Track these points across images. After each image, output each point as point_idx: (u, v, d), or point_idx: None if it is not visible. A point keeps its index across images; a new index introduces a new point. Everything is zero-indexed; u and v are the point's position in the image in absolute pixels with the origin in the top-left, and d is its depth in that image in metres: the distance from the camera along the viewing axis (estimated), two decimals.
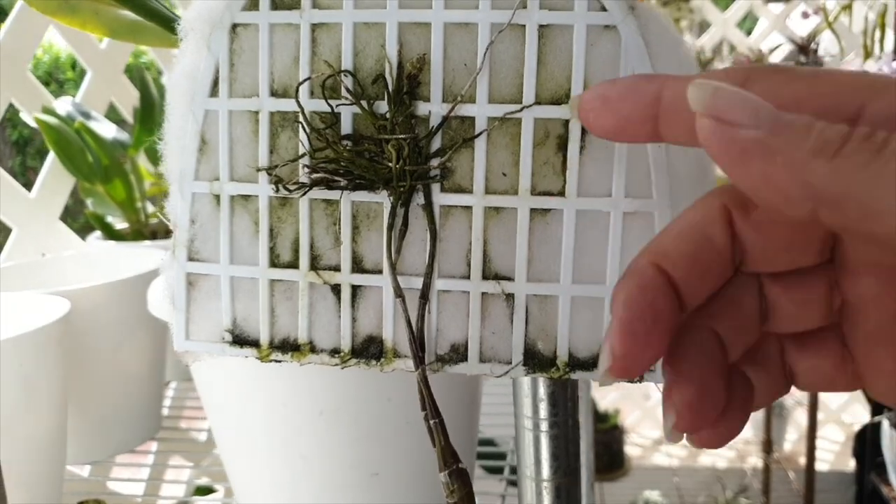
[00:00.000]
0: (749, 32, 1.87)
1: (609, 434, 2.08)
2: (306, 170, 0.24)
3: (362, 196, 0.25)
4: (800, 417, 1.92)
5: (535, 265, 0.25)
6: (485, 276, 0.25)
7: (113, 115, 0.75)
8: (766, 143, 0.14)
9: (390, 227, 0.24)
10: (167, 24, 0.29)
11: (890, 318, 0.17)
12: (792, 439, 1.93)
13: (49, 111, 0.60)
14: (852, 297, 0.18)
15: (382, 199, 0.25)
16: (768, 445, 1.74)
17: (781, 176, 0.14)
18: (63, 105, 0.64)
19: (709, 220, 0.18)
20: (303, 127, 0.25)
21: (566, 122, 0.24)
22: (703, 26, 1.85)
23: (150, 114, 0.64)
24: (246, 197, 0.26)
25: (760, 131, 0.14)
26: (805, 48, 1.71)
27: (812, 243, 0.18)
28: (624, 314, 0.17)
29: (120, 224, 0.66)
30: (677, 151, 0.24)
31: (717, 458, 1.77)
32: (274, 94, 0.25)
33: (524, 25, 0.24)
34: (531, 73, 0.24)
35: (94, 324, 0.46)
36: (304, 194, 0.25)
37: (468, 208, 0.24)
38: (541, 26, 0.24)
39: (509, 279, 0.25)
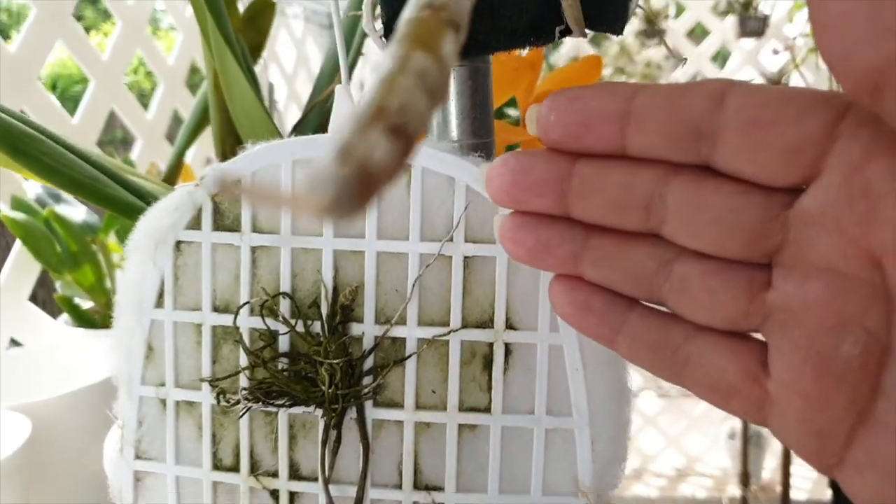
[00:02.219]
0: (722, 66, 1.90)
1: None
2: (244, 391, 0.26)
3: (298, 409, 0.26)
4: (777, 445, 1.95)
5: (464, 477, 0.26)
6: (416, 487, 0.26)
7: (107, 135, 0.76)
8: None
9: (324, 443, 0.26)
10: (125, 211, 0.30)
11: (827, 330, 0.16)
12: (771, 467, 1.97)
13: (18, 202, 0.61)
14: (794, 301, 0.17)
15: (318, 412, 0.26)
16: (745, 478, 1.77)
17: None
18: (33, 188, 0.65)
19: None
20: (242, 347, 0.26)
21: (491, 344, 0.25)
22: (677, 60, 1.88)
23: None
24: (190, 402, 0.27)
25: None
26: (777, 83, 1.74)
27: (749, 234, 0.17)
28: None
29: (89, 303, 0.67)
30: (595, 373, 0.25)
31: (696, 488, 1.80)
32: (216, 309, 0.27)
33: (451, 256, 0.25)
34: (458, 300, 0.25)
35: (56, 436, 0.47)
36: (243, 414, 0.26)
37: (400, 422, 0.26)
38: (466, 257, 0.25)
39: (440, 489, 0.26)
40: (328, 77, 0.40)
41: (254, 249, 0.26)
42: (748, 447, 1.89)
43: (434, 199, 0.25)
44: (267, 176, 0.26)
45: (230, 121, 0.33)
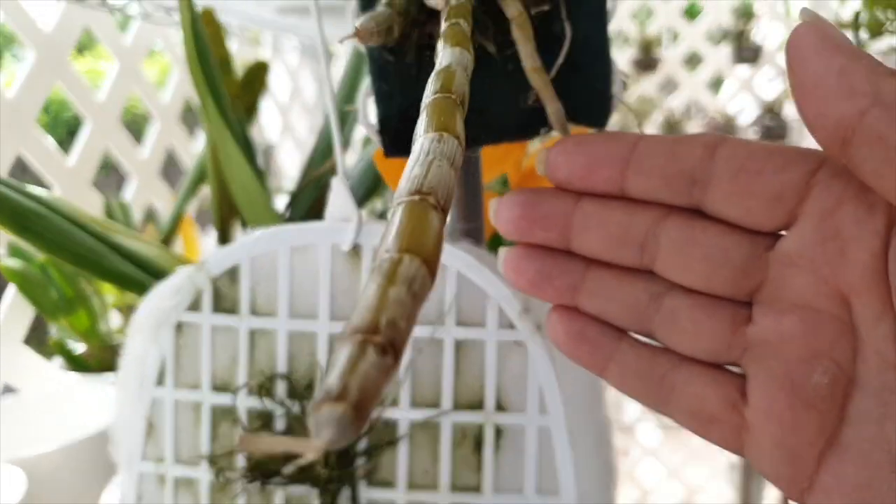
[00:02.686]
0: (717, 93, 1.93)
1: None
2: (242, 469, 0.26)
3: (295, 488, 0.27)
4: None
5: None
6: None
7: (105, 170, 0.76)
8: None
9: None
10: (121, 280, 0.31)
11: (800, 360, 0.17)
12: (772, 497, 1.97)
13: (15, 250, 0.61)
14: (771, 335, 0.18)
15: (313, 491, 0.27)
16: None
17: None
18: None
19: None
20: (241, 426, 0.27)
21: (482, 426, 0.26)
22: (672, 88, 1.90)
23: None
24: (189, 479, 0.28)
25: None
26: (772, 110, 1.77)
27: (734, 272, 0.19)
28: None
29: (83, 346, 0.68)
30: (582, 453, 0.26)
31: None
32: (215, 388, 0.27)
33: (442, 340, 0.26)
34: (449, 382, 0.26)
35: (52, 490, 0.47)
36: (240, 492, 0.27)
37: (393, 502, 0.27)
38: (457, 341, 0.26)
39: None
40: (321, 155, 0.41)
41: (252, 332, 0.27)
42: (749, 479, 1.89)
43: None
44: (264, 263, 0.27)
45: (227, 186, 0.35)
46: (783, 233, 0.18)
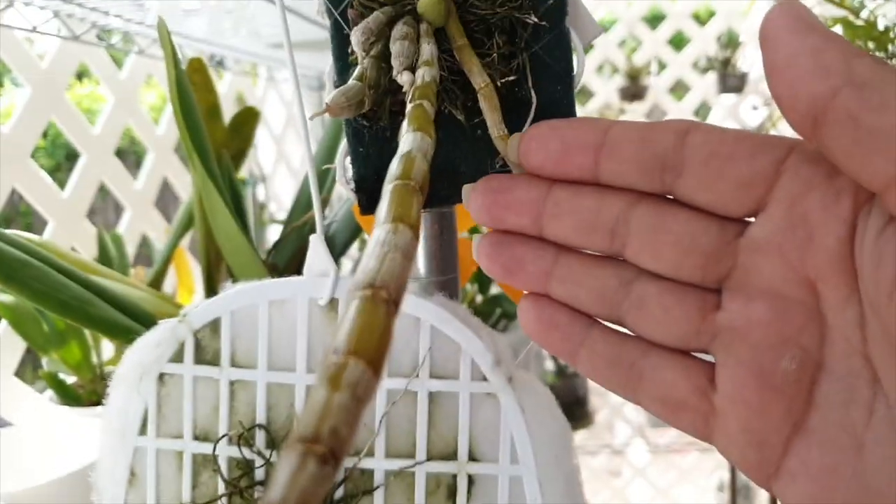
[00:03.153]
0: (704, 120, 1.95)
1: None
2: None
3: None
4: (765, 496, 1.95)
5: None
6: None
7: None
8: None
9: None
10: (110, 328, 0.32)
11: (768, 346, 0.18)
12: None
13: None
14: (740, 321, 0.18)
15: None
16: None
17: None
18: None
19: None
20: (220, 476, 0.27)
21: (455, 475, 0.27)
22: (659, 115, 1.93)
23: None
24: None
25: None
26: None
27: (703, 258, 0.19)
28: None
29: (74, 377, 0.68)
30: (552, 501, 0.27)
31: None
32: (196, 437, 0.28)
33: (416, 392, 0.27)
34: (423, 433, 0.27)
35: None
36: None
37: None
38: (431, 392, 0.27)
39: None
40: (303, 207, 0.42)
41: (232, 383, 0.28)
42: (737, 499, 1.89)
43: (400, 339, 0.27)
44: (244, 316, 0.28)
45: (213, 235, 0.36)
46: (753, 220, 0.18)
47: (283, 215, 1.16)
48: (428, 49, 0.21)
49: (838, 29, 0.63)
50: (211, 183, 0.33)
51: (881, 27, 0.61)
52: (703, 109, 1.92)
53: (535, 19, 0.24)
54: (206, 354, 0.28)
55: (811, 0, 0.68)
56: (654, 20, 1.91)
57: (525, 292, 0.22)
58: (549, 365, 1.37)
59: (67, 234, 0.75)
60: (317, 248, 0.27)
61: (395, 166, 0.17)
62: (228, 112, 1.06)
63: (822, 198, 0.17)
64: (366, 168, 0.26)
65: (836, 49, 0.16)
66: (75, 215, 0.76)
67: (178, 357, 0.28)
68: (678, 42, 1.91)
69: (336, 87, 0.26)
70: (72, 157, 0.79)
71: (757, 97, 1.82)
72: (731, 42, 1.79)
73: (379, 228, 0.15)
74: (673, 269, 0.19)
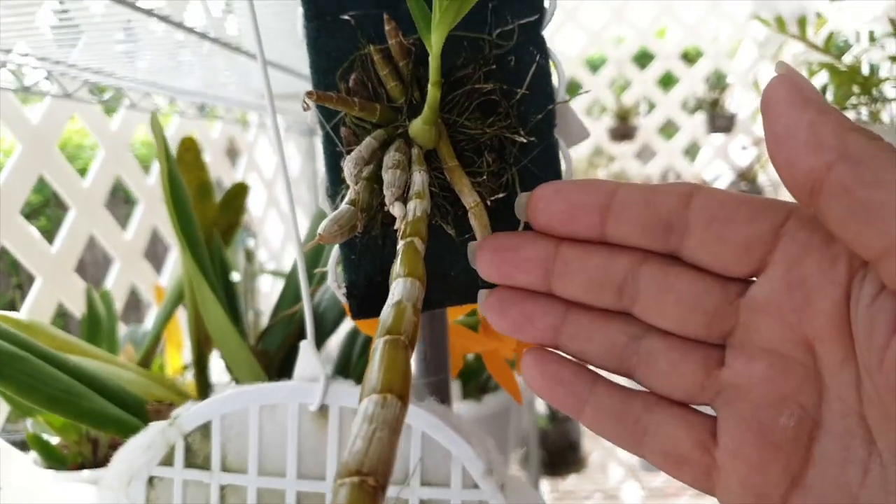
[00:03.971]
0: (693, 160, 1.97)
1: None
2: None
3: None
4: None
5: None
6: None
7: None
8: None
9: None
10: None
11: (768, 404, 0.18)
12: None
13: None
14: (742, 378, 0.19)
15: None
16: None
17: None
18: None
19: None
20: None
21: None
22: (649, 155, 1.95)
23: (95, 330, 0.66)
24: None
25: None
26: (746, 176, 1.82)
27: (707, 317, 0.19)
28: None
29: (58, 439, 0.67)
30: None
31: None
32: None
33: (408, 499, 0.27)
34: None
35: None
36: None
37: None
38: (422, 500, 0.27)
39: None
40: (291, 300, 0.42)
41: (222, 487, 0.28)
42: None
43: None
44: (235, 420, 0.28)
45: (202, 319, 0.36)
46: (755, 279, 0.19)
47: (273, 265, 1.16)
48: (419, 179, 0.22)
49: (824, 75, 0.64)
50: (201, 274, 0.33)
51: (865, 72, 0.62)
52: (692, 149, 1.94)
53: (525, 138, 0.24)
54: (196, 458, 0.28)
55: (798, 47, 0.69)
56: (644, 59, 1.94)
57: (525, 349, 0.22)
58: (541, 408, 1.36)
59: (56, 290, 0.75)
60: (307, 353, 0.27)
61: (386, 314, 0.17)
62: (219, 162, 1.06)
63: (819, 262, 0.18)
64: (356, 275, 0.26)
65: (831, 123, 0.16)
66: (64, 270, 0.76)
67: (168, 460, 0.28)
68: (667, 81, 1.94)
69: (328, 195, 0.26)
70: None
71: (746, 137, 1.85)
72: (718, 83, 1.82)
73: (367, 400, 0.15)
74: (679, 326, 0.20)
